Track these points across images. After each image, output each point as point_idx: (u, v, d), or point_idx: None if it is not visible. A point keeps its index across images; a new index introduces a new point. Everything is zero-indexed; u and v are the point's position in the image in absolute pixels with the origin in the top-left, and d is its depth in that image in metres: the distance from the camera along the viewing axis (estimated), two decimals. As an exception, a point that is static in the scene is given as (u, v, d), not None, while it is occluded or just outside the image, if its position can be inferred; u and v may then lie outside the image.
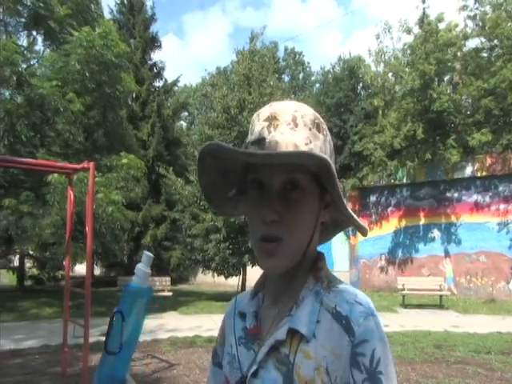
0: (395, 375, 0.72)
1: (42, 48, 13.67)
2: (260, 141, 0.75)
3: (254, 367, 0.77)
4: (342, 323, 0.72)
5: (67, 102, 10.73)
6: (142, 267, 0.82)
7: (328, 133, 0.81)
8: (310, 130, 0.77)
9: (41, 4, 11.59)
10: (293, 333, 0.75)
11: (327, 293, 0.77)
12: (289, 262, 0.77)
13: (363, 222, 0.86)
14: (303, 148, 0.74)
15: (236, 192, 0.86)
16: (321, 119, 0.80)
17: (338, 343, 0.71)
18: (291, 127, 0.75)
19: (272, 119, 0.76)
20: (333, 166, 0.71)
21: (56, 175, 8.74)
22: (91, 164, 5.54)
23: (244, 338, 0.83)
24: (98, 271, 22.75)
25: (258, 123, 0.78)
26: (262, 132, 0.76)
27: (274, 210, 0.74)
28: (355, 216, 0.82)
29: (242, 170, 0.80)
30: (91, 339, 5.61)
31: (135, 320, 0.79)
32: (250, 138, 0.78)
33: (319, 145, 0.77)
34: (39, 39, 13.40)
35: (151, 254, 0.84)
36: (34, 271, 20.21)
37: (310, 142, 0.76)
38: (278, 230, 0.74)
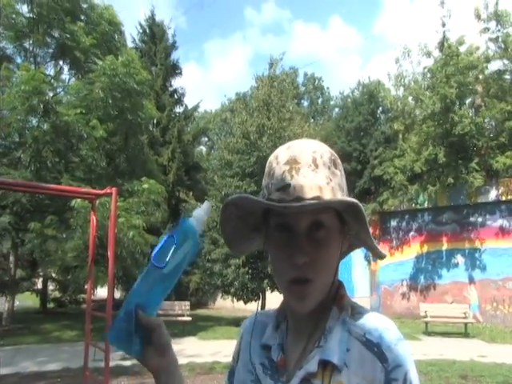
0: None
1: (67, 77, 14.21)
2: (285, 187, 0.76)
3: None
4: (373, 351, 0.73)
5: (91, 128, 11.06)
6: (200, 212, 0.81)
7: (342, 167, 0.83)
8: (329, 168, 0.79)
9: (67, 35, 12.10)
10: (324, 364, 0.75)
11: (353, 320, 0.78)
12: (318, 301, 0.79)
13: (383, 248, 0.90)
14: (325, 188, 0.76)
15: (252, 232, 0.88)
16: (336, 155, 0.83)
17: (371, 370, 0.73)
18: (312, 169, 0.77)
19: (292, 162, 0.78)
20: (362, 207, 0.75)
21: (79, 200, 8.93)
22: (114, 189, 5.64)
23: (270, 370, 0.83)
24: (118, 295, 22.85)
25: (277, 166, 0.79)
26: (285, 177, 0.77)
27: (305, 252, 0.75)
28: (376, 245, 0.84)
29: (262, 213, 0.82)
30: (111, 363, 5.62)
31: (180, 257, 0.78)
32: (272, 181, 0.79)
33: (338, 181, 0.80)
34: (65, 68, 13.96)
35: (210, 204, 0.85)
36: (57, 294, 20.44)
37: (331, 181, 0.78)
38: (307, 271, 0.76)
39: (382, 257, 0.87)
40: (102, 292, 16.43)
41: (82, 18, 13.13)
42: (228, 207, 0.80)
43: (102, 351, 5.29)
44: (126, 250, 9.73)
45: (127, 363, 7.55)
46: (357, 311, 0.81)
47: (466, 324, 11.92)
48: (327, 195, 0.75)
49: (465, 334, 11.80)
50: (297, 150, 0.80)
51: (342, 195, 0.79)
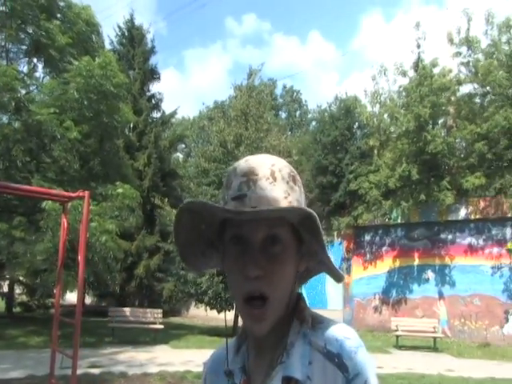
0: None
1: (41, 75, 13.87)
2: (241, 196, 0.75)
3: None
4: (334, 361, 0.73)
5: (64, 129, 10.79)
6: None
7: (301, 184, 0.82)
8: (287, 183, 0.77)
9: (42, 32, 11.82)
10: (288, 380, 0.74)
11: (314, 332, 0.78)
12: (275, 320, 0.77)
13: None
14: (283, 202, 0.75)
15: (207, 247, 0.85)
16: (295, 171, 0.81)
17: (333, 381, 0.73)
18: (270, 181, 0.76)
19: (250, 174, 0.76)
20: (318, 219, 0.73)
21: (50, 202, 8.66)
22: (86, 193, 5.49)
23: None
24: (89, 300, 22.26)
25: (235, 178, 0.78)
26: (241, 187, 0.76)
27: (258, 265, 0.74)
28: (335, 265, 0.82)
29: (219, 224, 0.80)
30: (79, 371, 5.43)
31: None
32: (229, 192, 0.78)
33: (296, 197, 0.78)
34: (39, 66, 13.62)
35: None
36: (24, 298, 19.76)
37: (289, 195, 0.76)
38: (262, 285, 0.74)
39: (339, 279, 0.85)
40: (71, 297, 15.98)
41: (59, 16, 12.87)
42: (183, 214, 0.76)
43: (70, 358, 5.10)
44: (98, 254, 9.48)
45: (96, 371, 7.30)
46: (317, 321, 0.80)
47: (435, 338, 12.13)
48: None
49: (434, 349, 12.01)
50: (255, 162, 0.78)
51: None
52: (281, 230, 0.76)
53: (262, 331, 0.76)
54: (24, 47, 12.85)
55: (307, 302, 0.85)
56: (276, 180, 0.76)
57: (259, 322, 0.75)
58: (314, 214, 0.71)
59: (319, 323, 0.79)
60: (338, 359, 0.73)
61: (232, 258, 0.77)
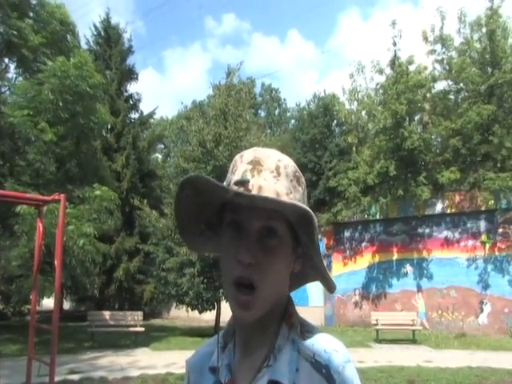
0: None
1: (14, 76, 13.58)
2: (244, 182, 0.75)
3: None
4: (322, 372, 0.74)
5: (39, 131, 10.60)
6: None
7: (303, 185, 0.82)
8: (291, 181, 0.78)
9: (14, 32, 11.56)
10: None
11: (302, 340, 0.77)
12: (263, 312, 0.77)
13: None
14: (284, 197, 0.75)
15: (206, 228, 0.85)
16: (300, 173, 0.81)
17: None
18: (274, 175, 0.76)
19: (256, 164, 0.77)
20: (316, 220, 0.73)
21: (25, 206, 8.51)
22: (62, 196, 5.41)
23: None
24: (67, 305, 21.92)
25: (240, 164, 0.79)
26: (246, 174, 0.76)
27: (252, 252, 0.74)
28: (328, 271, 0.83)
29: (219, 207, 0.80)
30: (58, 378, 5.37)
31: None
32: (233, 177, 0.79)
33: (298, 197, 0.78)
34: (11, 66, 13.34)
35: None
36: (-2, 305, 19.29)
37: (291, 193, 0.77)
38: (252, 273, 0.74)
39: (332, 288, 0.86)
40: (48, 302, 15.69)
41: (31, 14, 12.61)
42: (185, 188, 0.76)
43: (47, 365, 5.02)
44: (76, 258, 9.35)
45: (75, 377, 7.21)
46: (306, 330, 0.80)
47: (413, 331, 12.33)
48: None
49: (413, 341, 12.21)
50: (263, 153, 0.79)
51: None
52: (278, 224, 0.76)
53: (247, 319, 0.76)
54: (-6, 47, 12.55)
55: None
56: (280, 175, 0.77)
57: (245, 309, 0.75)
58: (312, 213, 0.71)
59: (308, 332, 0.79)
60: (325, 371, 0.73)
61: (227, 241, 0.78)
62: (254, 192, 0.74)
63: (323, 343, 0.77)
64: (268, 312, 0.77)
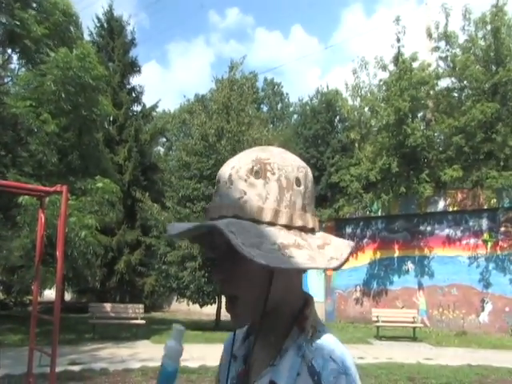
0: None
1: (16, 66, 13.51)
2: (206, 211, 0.80)
3: None
4: (314, 379, 0.72)
5: (41, 122, 10.56)
6: (174, 345, 0.80)
7: (276, 172, 0.76)
8: (245, 181, 0.75)
9: (16, 22, 11.49)
10: None
11: (310, 345, 0.76)
12: (251, 317, 0.79)
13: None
14: (236, 204, 0.74)
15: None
16: (263, 162, 0.76)
17: None
18: (228, 186, 0.76)
19: (217, 182, 0.79)
20: (225, 231, 0.68)
21: (27, 197, 8.48)
22: (64, 187, 5.37)
23: (236, 381, 0.84)
24: (68, 297, 21.96)
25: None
26: (213, 198, 0.80)
27: (222, 268, 0.77)
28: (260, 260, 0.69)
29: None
30: (59, 368, 5.36)
31: None
32: None
33: (257, 192, 0.75)
34: (14, 57, 13.26)
35: (183, 328, 0.83)
36: (0, 295, 19.34)
37: (245, 194, 0.74)
38: (229, 288, 0.78)
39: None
40: (50, 294, 15.70)
41: (34, 5, 12.53)
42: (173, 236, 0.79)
43: (48, 356, 5.02)
44: (77, 250, 9.32)
45: (76, 368, 7.21)
46: (316, 335, 0.78)
47: (414, 328, 12.33)
48: (238, 210, 0.73)
49: (413, 338, 12.21)
50: (222, 169, 0.79)
51: (262, 203, 0.74)
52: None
53: (235, 326, 0.82)
54: (-3, 37, 12.47)
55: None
56: (232, 183, 0.75)
57: (233, 318, 0.79)
58: (218, 226, 0.68)
59: (317, 338, 0.78)
60: (317, 377, 0.72)
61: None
62: (211, 215, 0.76)
63: (324, 349, 0.75)
64: (274, 311, 0.78)
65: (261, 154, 0.77)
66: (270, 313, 0.78)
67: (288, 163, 0.78)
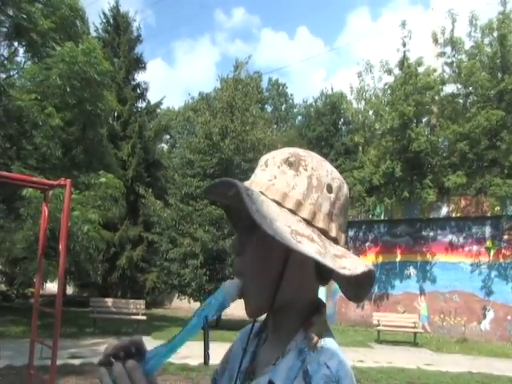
0: None
1: (22, 59, 13.50)
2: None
3: None
4: (305, 381, 0.71)
5: (46, 115, 10.56)
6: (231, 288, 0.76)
7: (308, 170, 0.77)
8: (278, 167, 0.77)
9: (23, 15, 11.48)
10: None
11: (311, 351, 0.75)
12: (260, 304, 0.77)
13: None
14: (265, 185, 0.76)
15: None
16: (299, 157, 0.78)
17: None
18: (262, 168, 0.79)
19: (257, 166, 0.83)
20: (242, 189, 0.68)
21: (31, 190, 8.46)
22: (68, 181, 5.36)
23: (243, 374, 0.84)
24: (70, 290, 21.99)
25: None
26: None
27: (240, 241, 0.78)
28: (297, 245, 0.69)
29: None
30: (59, 361, 5.32)
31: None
32: None
33: (286, 179, 0.76)
34: (20, 50, 13.25)
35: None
36: (2, 287, 19.35)
37: (275, 178, 0.76)
38: (241, 263, 0.78)
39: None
40: (52, 287, 15.70)
41: (41, -1, 12.53)
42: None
43: (50, 348, 5.00)
44: (80, 244, 9.30)
45: (76, 362, 7.18)
46: (320, 343, 0.75)
47: (415, 333, 12.32)
48: (264, 189, 0.75)
49: (414, 343, 12.19)
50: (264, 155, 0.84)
51: (288, 191, 0.75)
52: None
53: (247, 313, 0.79)
54: (4, 30, 12.45)
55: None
56: (268, 166, 0.78)
57: (245, 303, 0.78)
58: (236, 184, 0.70)
59: (321, 344, 0.75)
60: (308, 380, 0.70)
61: None
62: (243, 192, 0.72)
63: (322, 355, 0.73)
64: (284, 310, 0.78)
65: (300, 151, 0.80)
66: (281, 311, 0.78)
67: (323, 168, 0.79)
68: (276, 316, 0.81)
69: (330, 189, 0.78)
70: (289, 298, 0.77)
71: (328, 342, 0.76)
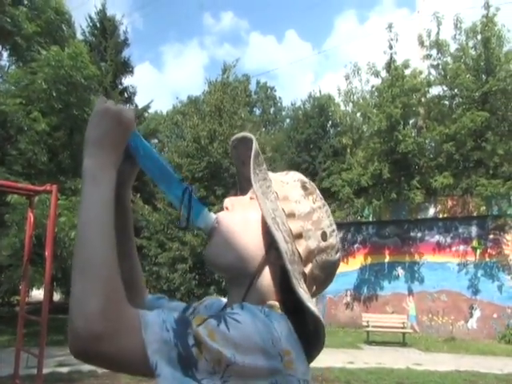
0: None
1: (7, 64, 13.38)
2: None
3: None
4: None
5: (31, 120, 10.48)
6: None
7: (315, 204, 0.81)
8: (294, 181, 0.83)
9: (7, 19, 11.36)
10: None
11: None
12: (215, 260, 0.78)
13: None
14: (277, 181, 0.81)
15: None
16: (315, 190, 0.83)
17: None
18: (281, 174, 0.85)
19: None
20: (255, 145, 0.74)
21: (16, 196, 8.37)
22: (54, 187, 5.29)
23: None
24: (57, 297, 21.67)
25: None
26: None
27: (231, 199, 0.81)
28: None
29: None
30: (46, 370, 5.27)
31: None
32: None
33: (294, 192, 0.80)
34: (4, 54, 13.15)
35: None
36: (-14, 295, 18.97)
37: (287, 184, 0.81)
38: (225, 213, 0.79)
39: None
40: (38, 294, 15.45)
41: (25, 2, 12.42)
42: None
43: (36, 357, 4.93)
44: (67, 250, 9.21)
45: (64, 370, 7.09)
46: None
47: (403, 334, 12.38)
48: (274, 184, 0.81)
49: (402, 344, 12.24)
50: None
51: (290, 199, 0.80)
52: None
53: (205, 252, 0.80)
54: (-13, 33, 12.32)
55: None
56: (287, 175, 0.85)
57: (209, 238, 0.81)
58: (252, 139, 0.75)
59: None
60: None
61: None
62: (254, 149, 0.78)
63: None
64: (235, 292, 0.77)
65: (318, 190, 0.84)
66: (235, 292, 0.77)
67: (328, 219, 0.81)
68: (230, 300, 0.80)
69: (324, 237, 0.79)
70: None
71: (272, 311, 0.70)
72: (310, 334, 0.75)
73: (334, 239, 0.81)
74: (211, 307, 0.89)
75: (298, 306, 0.71)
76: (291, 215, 0.76)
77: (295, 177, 0.82)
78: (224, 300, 0.90)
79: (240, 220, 0.77)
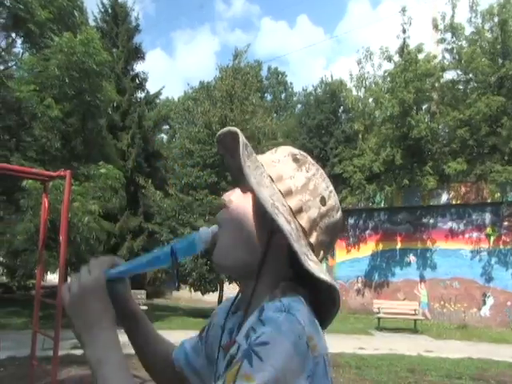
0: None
1: (20, 50, 13.41)
2: None
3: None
4: (259, 313, 0.69)
5: (45, 107, 10.52)
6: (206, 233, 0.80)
7: (310, 172, 0.80)
8: (284, 157, 0.81)
9: (21, 6, 11.36)
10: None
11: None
12: (224, 263, 0.78)
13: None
14: (268, 162, 0.80)
15: None
16: (306, 159, 0.82)
17: None
18: (271, 152, 0.85)
19: None
20: (241, 138, 0.73)
21: (31, 181, 8.46)
22: (68, 172, 5.34)
23: (223, 350, 0.84)
24: (70, 281, 22.05)
25: None
26: None
27: (227, 194, 0.81)
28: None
29: None
30: (61, 352, 5.37)
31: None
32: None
33: (287, 168, 0.79)
34: (18, 41, 13.17)
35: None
36: (4, 279, 19.42)
37: (278, 162, 0.80)
38: (224, 214, 0.80)
39: None
40: (53, 278, 15.76)
41: (38, -12, 12.39)
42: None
43: (51, 339, 5.04)
44: (80, 235, 9.32)
45: (77, 352, 7.21)
46: (279, 297, 0.72)
47: (415, 320, 12.38)
48: (266, 167, 0.79)
49: (414, 330, 12.25)
50: None
51: (285, 176, 0.79)
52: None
53: (214, 256, 0.81)
54: (1, 20, 12.35)
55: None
56: (276, 152, 0.83)
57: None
58: (237, 134, 0.74)
59: (279, 298, 0.72)
60: (261, 312, 0.69)
61: None
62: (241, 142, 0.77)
63: (265, 309, 0.70)
64: (250, 286, 0.76)
65: (310, 157, 0.82)
66: (250, 286, 0.77)
67: (324, 182, 0.80)
68: (246, 292, 0.80)
69: (323, 201, 0.78)
70: (263, 279, 0.76)
71: (289, 298, 0.71)
72: (323, 299, 0.77)
73: (333, 200, 0.80)
74: (222, 314, 0.92)
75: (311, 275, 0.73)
76: (288, 193, 0.76)
77: (285, 152, 0.81)
78: (230, 296, 0.93)
79: (238, 215, 0.77)
